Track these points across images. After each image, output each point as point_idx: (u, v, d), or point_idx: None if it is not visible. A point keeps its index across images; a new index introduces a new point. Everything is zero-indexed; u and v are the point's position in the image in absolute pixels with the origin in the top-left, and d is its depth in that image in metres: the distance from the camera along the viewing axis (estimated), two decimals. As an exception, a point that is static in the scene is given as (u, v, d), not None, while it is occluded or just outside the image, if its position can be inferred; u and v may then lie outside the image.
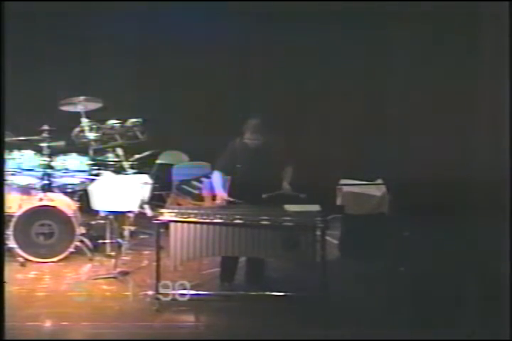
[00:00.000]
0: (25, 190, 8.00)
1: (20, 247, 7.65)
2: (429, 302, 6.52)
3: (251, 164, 6.89)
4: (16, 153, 7.98)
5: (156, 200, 8.14)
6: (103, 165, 8.20)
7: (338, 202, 8.11)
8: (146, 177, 7.64)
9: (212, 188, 7.23)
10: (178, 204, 8.50)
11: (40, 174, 8.00)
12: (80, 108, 8.44)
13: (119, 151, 8.05)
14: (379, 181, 8.26)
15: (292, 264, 6.85)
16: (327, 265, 6.53)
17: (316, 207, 6.67)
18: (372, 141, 9.17)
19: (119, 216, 7.63)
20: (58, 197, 8.03)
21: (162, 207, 6.98)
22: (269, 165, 6.89)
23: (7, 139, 7.58)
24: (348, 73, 9.20)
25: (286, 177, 6.96)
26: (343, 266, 7.58)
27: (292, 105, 9.51)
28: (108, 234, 7.74)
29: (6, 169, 7.69)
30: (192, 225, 6.52)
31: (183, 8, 9.09)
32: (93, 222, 8.18)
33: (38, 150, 8.07)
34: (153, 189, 7.86)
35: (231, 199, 6.87)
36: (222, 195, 6.93)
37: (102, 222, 7.95)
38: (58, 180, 8.12)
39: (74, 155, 8.18)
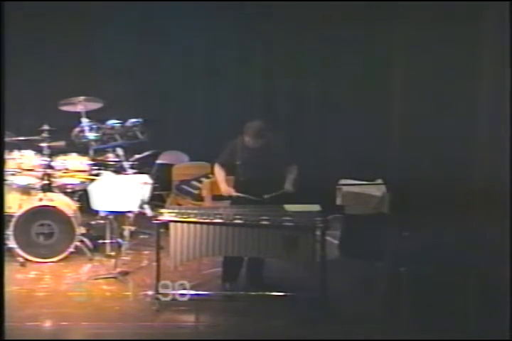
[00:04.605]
0: (25, 190, 8.00)
1: (20, 247, 7.64)
2: (428, 302, 6.51)
3: (252, 163, 6.86)
4: (15, 153, 7.98)
5: (156, 200, 8.15)
6: (103, 165, 8.20)
7: (338, 202, 8.11)
8: (146, 177, 7.64)
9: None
10: (178, 204, 8.51)
11: (40, 174, 8.00)
12: (80, 108, 8.44)
13: (119, 151, 8.05)
14: (379, 181, 8.25)
15: (292, 264, 6.84)
16: (327, 265, 6.54)
17: (316, 207, 6.66)
18: (372, 140, 9.15)
19: (119, 216, 7.63)
20: (58, 197, 8.03)
21: (162, 207, 6.99)
22: (272, 164, 6.88)
23: (7, 139, 7.59)
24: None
25: (290, 176, 6.92)
26: (343, 266, 7.58)
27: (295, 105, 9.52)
28: (108, 234, 7.74)
29: (5, 169, 7.71)
30: (192, 225, 6.52)
31: (184, 7, 9.09)
32: (93, 222, 8.18)
33: (38, 150, 8.06)
34: (153, 189, 7.86)
35: (237, 194, 6.85)
36: (227, 189, 6.91)
37: (102, 222, 7.95)
38: (58, 180, 8.11)
39: (74, 155, 8.18)
